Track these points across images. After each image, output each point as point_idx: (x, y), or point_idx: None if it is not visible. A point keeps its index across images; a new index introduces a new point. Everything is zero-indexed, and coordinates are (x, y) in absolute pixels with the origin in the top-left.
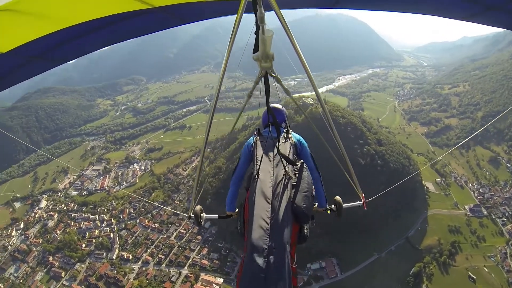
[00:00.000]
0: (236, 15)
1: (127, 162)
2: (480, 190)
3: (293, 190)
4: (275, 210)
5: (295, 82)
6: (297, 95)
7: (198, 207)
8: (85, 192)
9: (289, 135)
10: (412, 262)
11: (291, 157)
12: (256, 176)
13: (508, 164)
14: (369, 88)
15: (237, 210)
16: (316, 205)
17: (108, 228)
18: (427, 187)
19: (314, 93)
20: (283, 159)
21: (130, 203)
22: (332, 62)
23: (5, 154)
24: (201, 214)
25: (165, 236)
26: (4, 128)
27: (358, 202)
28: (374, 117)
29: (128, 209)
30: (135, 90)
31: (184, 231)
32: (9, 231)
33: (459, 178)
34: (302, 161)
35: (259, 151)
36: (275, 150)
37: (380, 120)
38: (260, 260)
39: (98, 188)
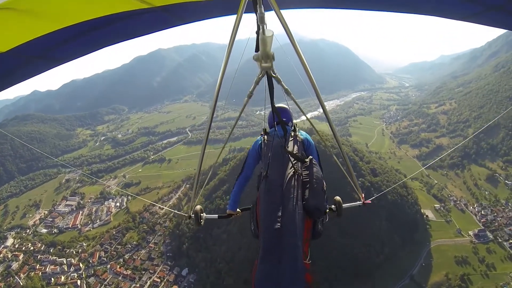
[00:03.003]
0: (236, 15)
1: (102, 197)
2: (482, 212)
3: (304, 187)
4: (286, 208)
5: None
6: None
7: (198, 207)
8: (55, 230)
9: (296, 133)
10: None
11: (299, 154)
12: (266, 175)
13: (506, 181)
14: (354, 112)
15: (238, 210)
16: None
17: (75, 273)
18: (427, 216)
19: (299, 120)
20: (291, 157)
21: (102, 245)
22: None
23: None
24: (201, 214)
25: (137, 285)
26: None
27: (358, 202)
28: (363, 142)
29: (99, 252)
30: (116, 120)
31: (158, 280)
32: None
33: (458, 202)
34: (311, 157)
35: (267, 150)
36: (282, 149)
37: (369, 145)
38: (273, 259)
39: (70, 225)
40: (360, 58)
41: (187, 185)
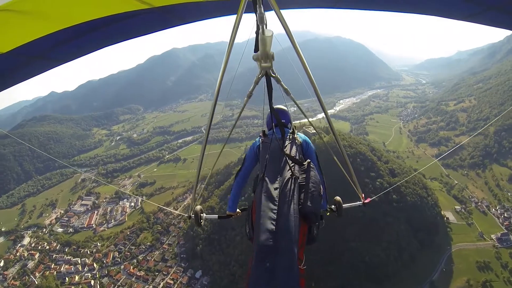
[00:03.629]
0: (236, 15)
1: (117, 197)
2: (505, 215)
3: (301, 190)
4: (282, 212)
5: (295, 108)
6: (297, 122)
7: (198, 207)
8: (71, 230)
9: (295, 135)
10: None
11: (297, 157)
12: (263, 178)
13: None
14: (371, 110)
15: (238, 210)
16: None
17: (89, 274)
18: (447, 218)
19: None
20: (289, 160)
21: (116, 246)
22: (331, 86)
23: None
24: (201, 214)
25: (150, 286)
26: None
27: (358, 202)
28: (380, 141)
29: (113, 253)
30: (131, 120)
31: (172, 281)
32: None
33: (480, 203)
34: (308, 160)
35: (265, 152)
36: (279, 151)
37: (387, 144)
38: (267, 263)
39: (85, 225)
40: (376, 55)
41: (202, 185)
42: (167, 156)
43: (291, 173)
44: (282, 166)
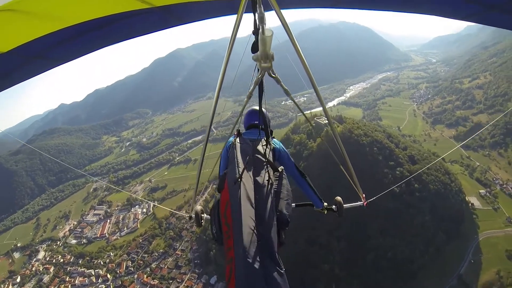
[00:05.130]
0: (236, 15)
1: (128, 204)
2: None
3: (276, 197)
4: (261, 216)
5: (305, 98)
6: (308, 112)
7: (199, 208)
8: (84, 241)
9: (269, 140)
10: None
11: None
12: (239, 180)
13: None
14: (382, 94)
15: None
16: (314, 207)
17: (103, 285)
18: (472, 204)
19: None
20: (268, 164)
21: (128, 254)
22: (340, 73)
23: (11, 198)
24: (202, 215)
25: None
26: (8, 173)
27: (359, 202)
28: (394, 125)
29: (126, 262)
30: (140, 124)
31: None
32: (6, 285)
33: (505, 185)
34: (282, 167)
35: (238, 153)
36: (255, 153)
37: (401, 128)
38: (255, 266)
39: (98, 235)
40: (382, 37)
41: (214, 186)
42: (178, 158)
43: (268, 178)
44: (258, 170)
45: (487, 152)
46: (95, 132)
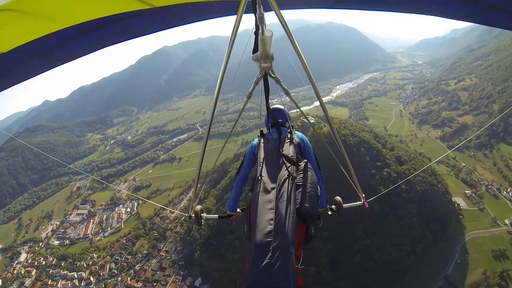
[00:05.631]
0: (236, 15)
1: (112, 204)
2: None
3: (298, 191)
4: (279, 212)
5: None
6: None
7: (199, 207)
8: (67, 242)
9: (292, 135)
10: None
11: (294, 157)
12: (260, 178)
13: None
14: (369, 94)
15: (238, 210)
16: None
17: None
18: (458, 204)
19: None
20: (285, 160)
21: (112, 256)
22: (327, 72)
23: None
24: (202, 214)
25: None
26: None
27: (359, 202)
28: (381, 125)
29: (109, 264)
30: (125, 122)
31: None
32: None
33: (490, 186)
34: (305, 160)
35: (262, 152)
36: (278, 151)
37: (388, 128)
38: (264, 262)
39: (81, 236)
40: (369, 38)
41: (198, 185)
42: (162, 157)
43: (288, 173)
44: (279, 166)
45: (472, 153)
46: (79, 130)
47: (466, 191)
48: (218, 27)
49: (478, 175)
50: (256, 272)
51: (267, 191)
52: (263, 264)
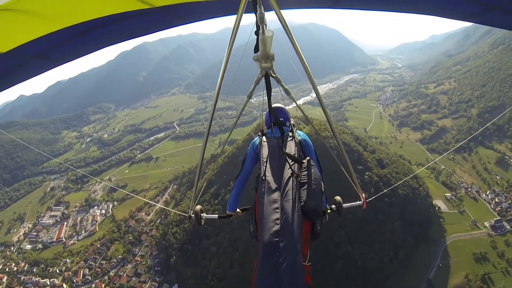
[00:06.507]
0: (236, 15)
1: (87, 205)
2: (496, 200)
3: (302, 188)
4: (285, 210)
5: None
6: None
7: (198, 207)
8: (39, 246)
9: (294, 134)
10: None
11: (296, 155)
12: (264, 177)
13: None
14: (349, 95)
15: (238, 210)
16: None
17: None
18: (439, 207)
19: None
20: (288, 159)
21: (86, 261)
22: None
23: None
24: (201, 214)
25: None
26: None
27: (358, 202)
28: (361, 127)
29: (83, 270)
30: (102, 119)
31: None
32: None
33: (469, 189)
34: (308, 158)
35: (265, 151)
36: (280, 149)
37: (368, 129)
38: (272, 261)
39: (54, 239)
40: (350, 40)
41: (174, 186)
42: (139, 156)
43: (291, 171)
44: (283, 165)
45: (451, 156)
46: (55, 127)
47: (446, 194)
48: (199, 24)
49: (458, 177)
50: (265, 271)
51: (271, 191)
52: (271, 263)
